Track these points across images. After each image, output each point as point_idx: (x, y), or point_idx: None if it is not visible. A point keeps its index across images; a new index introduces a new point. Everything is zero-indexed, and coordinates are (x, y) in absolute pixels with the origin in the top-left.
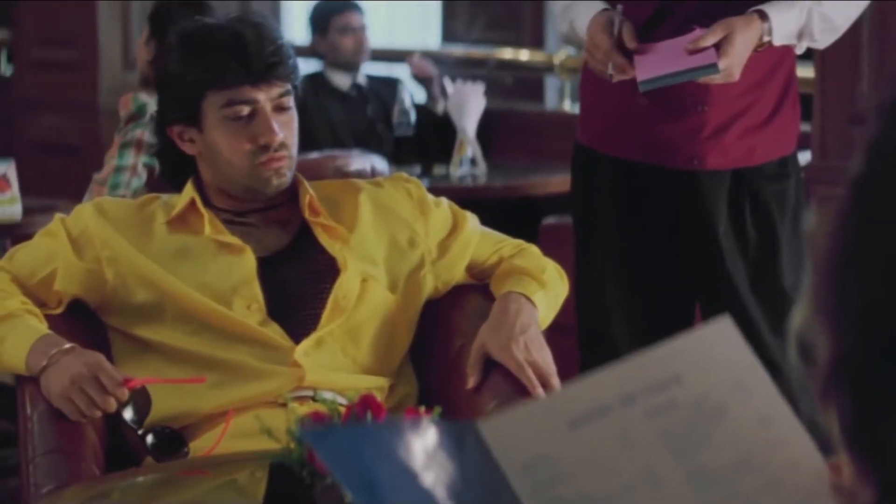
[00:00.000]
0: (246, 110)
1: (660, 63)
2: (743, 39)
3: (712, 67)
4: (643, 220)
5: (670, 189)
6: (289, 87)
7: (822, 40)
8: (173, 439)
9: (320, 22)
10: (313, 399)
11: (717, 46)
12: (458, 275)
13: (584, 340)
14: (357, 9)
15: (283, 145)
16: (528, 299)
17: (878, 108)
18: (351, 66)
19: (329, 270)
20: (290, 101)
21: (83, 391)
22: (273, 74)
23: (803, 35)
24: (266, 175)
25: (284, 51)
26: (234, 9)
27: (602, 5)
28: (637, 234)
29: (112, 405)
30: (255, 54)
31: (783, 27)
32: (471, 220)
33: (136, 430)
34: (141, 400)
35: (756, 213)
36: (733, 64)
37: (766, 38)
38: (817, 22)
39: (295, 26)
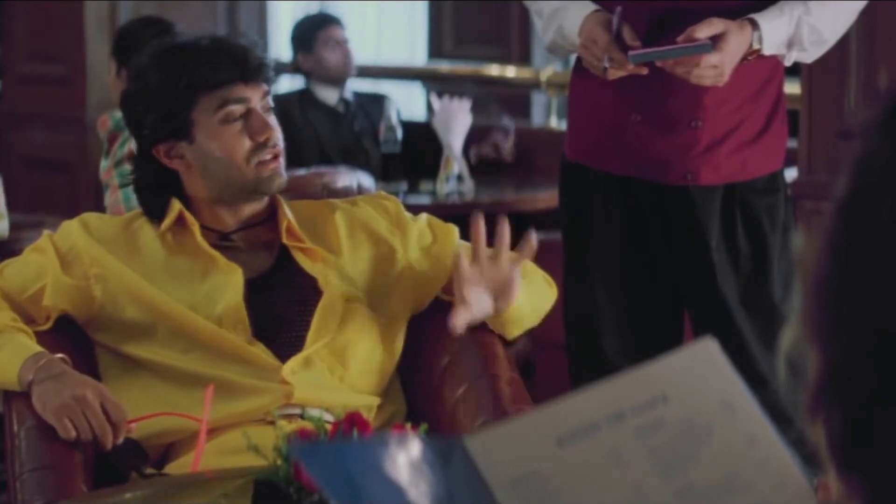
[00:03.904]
0: (240, 110)
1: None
2: (736, 40)
3: (705, 47)
4: (635, 234)
5: (663, 204)
6: (269, 88)
7: (812, 52)
8: (137, 452)
9: (304, 38)
10: (301, 417)
11: (712, 42)
12: (438, 286)
13: (575, 355)
14: (339, 23)
15: (275, 144)
16: None
17: (865, 125)
18: (338, 80)
19: (312, 291)
20: (271, 102)
21: (83, 414)
22: (262, 74)
23: (793, 45)
24: (267, 174)
25: (265, 53)
26: (221, 10)
27: (593, 7)
28: (629, 248)
29: (109, 440)
30: (243, 54)
31: (773, 35)
32: (451, 232)
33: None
34: (135, 450)
35: (748, 227)
36: (725, 61)
37: (755, 46)
38: (806, 33)
39: (281, 35)
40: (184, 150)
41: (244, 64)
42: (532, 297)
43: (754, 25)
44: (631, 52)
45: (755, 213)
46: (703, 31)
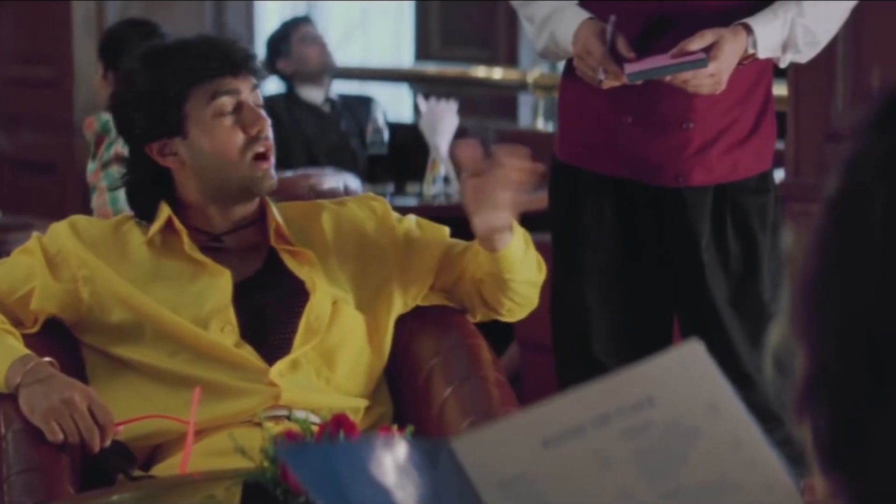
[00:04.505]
0: (231, 102)
1: (649, 65)
2: (731, 47)
3: (701, 62)
4: (627, 236)
5: (654, 205)
6: (258, 82)
7: (806, 53)
8: (124, 454)
9: (280, 43)
10: (288, 419)
11: (706, 52)
12: (426, 287)
13: (564, 357)
14: (310, 22)
15: (267, 136)
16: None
17: (857, 124)
18: (320, 76)
19: (300, 294)
20: (261, 97)
21: (71, 417)
22: (250, 66)
23: (787, 48)
24: (259, 174)
25: (251, 47)
26: (208, 11)
27: (586, 15)
28: (622, 250)
29: (97, 443)
30: (230, 47)
31: (767, 39)
32: (441, 232)
33: (117, 473)
34: (122, 452)
35: (738, 227)
36: (722, 69)
37: (751, 51)
38: (800, 35)
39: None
40: (177, 147)
41: (232, 56)
42: (528, 253)
43: (748, 30)
44: (627, 71)
45: (745, 213)
46: (696, 43)
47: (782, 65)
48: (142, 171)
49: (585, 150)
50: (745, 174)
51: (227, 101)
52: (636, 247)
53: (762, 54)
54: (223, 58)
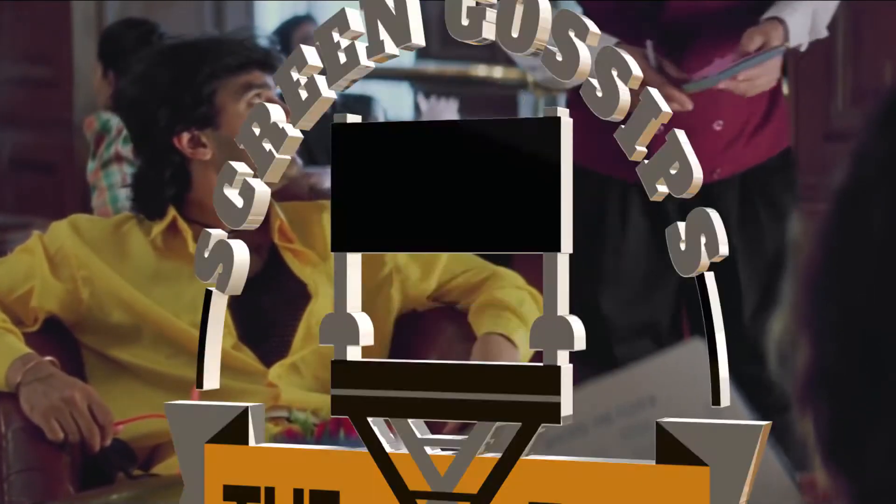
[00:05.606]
0: (264, 96)
1: (714, 69)
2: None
3: (777, 50)
4: (640, 235)
5: (682, 205)
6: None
7: (823, 33)
8: (124, 453)
9: (282, 42)
10: (288, 420)
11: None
12: (427, 289)
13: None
14: (311, 21)
15: None
16: (509, 339)
17: (863, 119)
18: None
19: (301, 296)
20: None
21: (71, 416)
22: (275, 61)
23: (811, 32)
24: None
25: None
26: (207, 11)
27: (612, 40)
28: (647, 252)
29: (97, 442)
30: (255, 43)
31: (797, 28)
32: None
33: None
34: (122, 451)
35: (768, 207)
36: (777, 66)
37: (785, 42)
38: (821, 18)
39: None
40: (207, 138)
41: (262, 51)
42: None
43: (782, 24)
44: (713, 73)
45: (773, 190)
46: (753, 45)
47: (803, 48)
48: (158, 168)
49: (608, 156)
50: (768, 154)
51: (260, 94)
52: (660, 248)
53: (793, 42)
54: (254, 51)
